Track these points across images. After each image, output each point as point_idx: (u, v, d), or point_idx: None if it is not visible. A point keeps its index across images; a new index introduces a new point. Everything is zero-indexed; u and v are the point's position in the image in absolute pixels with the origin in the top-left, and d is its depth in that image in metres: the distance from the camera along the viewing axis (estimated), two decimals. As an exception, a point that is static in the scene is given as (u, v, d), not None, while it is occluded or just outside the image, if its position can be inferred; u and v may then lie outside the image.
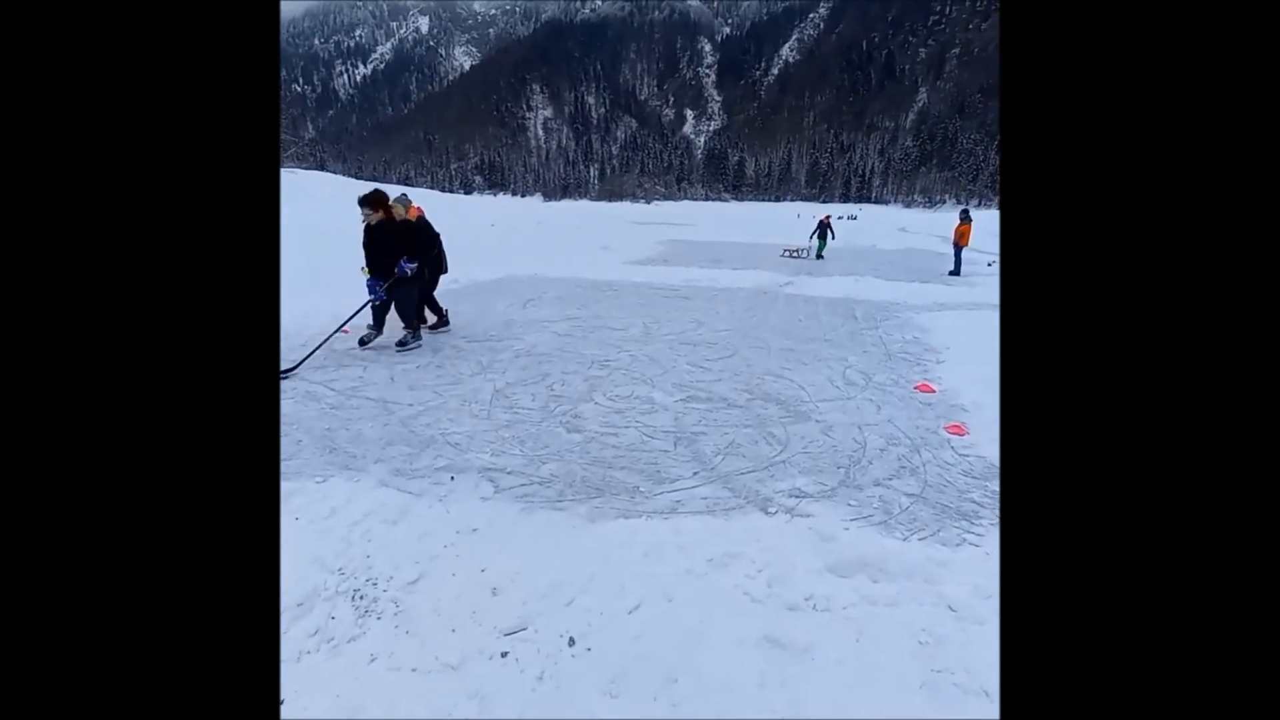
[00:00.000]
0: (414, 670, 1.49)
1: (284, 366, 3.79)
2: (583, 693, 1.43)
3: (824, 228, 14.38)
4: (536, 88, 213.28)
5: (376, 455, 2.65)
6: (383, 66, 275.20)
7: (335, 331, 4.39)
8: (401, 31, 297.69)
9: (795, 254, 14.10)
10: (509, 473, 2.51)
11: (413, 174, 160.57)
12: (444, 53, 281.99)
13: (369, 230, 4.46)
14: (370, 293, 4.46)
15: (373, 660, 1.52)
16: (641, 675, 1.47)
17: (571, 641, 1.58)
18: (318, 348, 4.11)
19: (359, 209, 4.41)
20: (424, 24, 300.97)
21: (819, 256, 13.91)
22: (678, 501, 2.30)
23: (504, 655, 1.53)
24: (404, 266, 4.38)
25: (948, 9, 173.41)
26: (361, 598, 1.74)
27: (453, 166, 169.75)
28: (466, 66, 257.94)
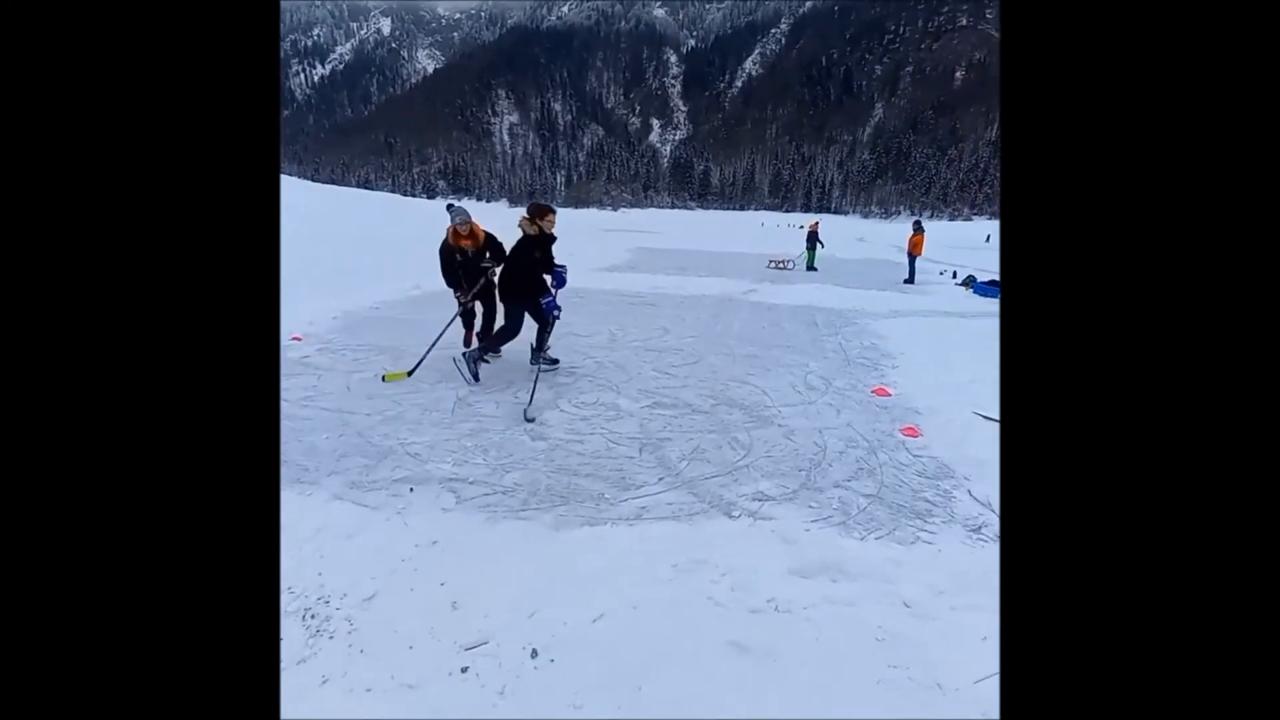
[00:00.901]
0: (369, 690, 1.44)
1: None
2: (546, 706, 1.41)
3: (814, 237, 13.35)
4: (502, 93, 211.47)
5: (330, 468, 2.55)
6: (341, 67, 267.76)
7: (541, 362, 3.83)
8: (362, 32, 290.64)
9: (782, 265, 13.05)
10: (471, 483, 2.46)
11: (373, 177, 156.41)
12: (406, 55, 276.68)
13: (532, 243, 3.85)
14: (550, 310, 3.89)
15: (324, 682, 1.46)
16: (606, 686, 1.46)
17: (534, 654, 1.55)
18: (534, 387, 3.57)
19: (542, 217, 3.86)
20: (385, 25, 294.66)
21: (811, 268, 12.82)
22: (643, 508, 2.30)
23: (464, 671, 1.49)
24: (561, 275, 3.92)
25: (901, 29, 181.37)
26: (313, 617, 1.67)
27: (415, 170, 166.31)
28: (430, 70, 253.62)
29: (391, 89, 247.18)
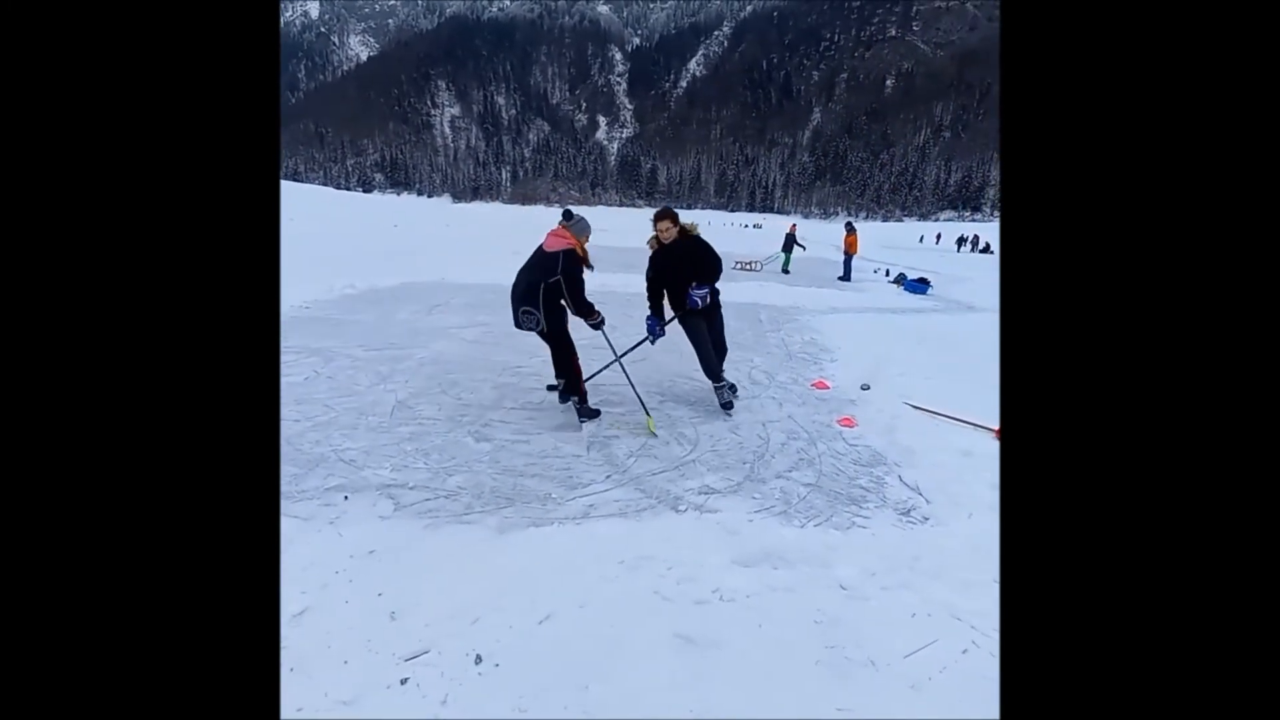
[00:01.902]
0: (299, 710, 1.36)
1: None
2: (490, 712, 1.38)
3: (792, 240, 12.83)
4: (442, 84, 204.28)
5: (255, 478, 2.39)
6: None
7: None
8: (287, 14, 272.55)
9: (749, 266, 12.46)
10: (411, 488, 2.37)
11: (303, 168, 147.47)
12: (338, 41, 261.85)
13: (665, 251, 3.39)
14: (649, 333, 3.48)
15: (249, 707, 1.37)
16: (553, 687, 1.45)
17: (478, 660, 1.51)
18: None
19: (656, 225, 3.40)
20: (314, 8, 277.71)
21: (785, 270, 12.32)
22: (590, 506, 2.30)
23: (403, 682, 1.44)
24: (694, 296, 3.32)
25: (836, 37, 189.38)
26: (235, 638, 1.56)
27: (349, 162, 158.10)
28: (363, 57, 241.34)
29: (321, 76, 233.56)
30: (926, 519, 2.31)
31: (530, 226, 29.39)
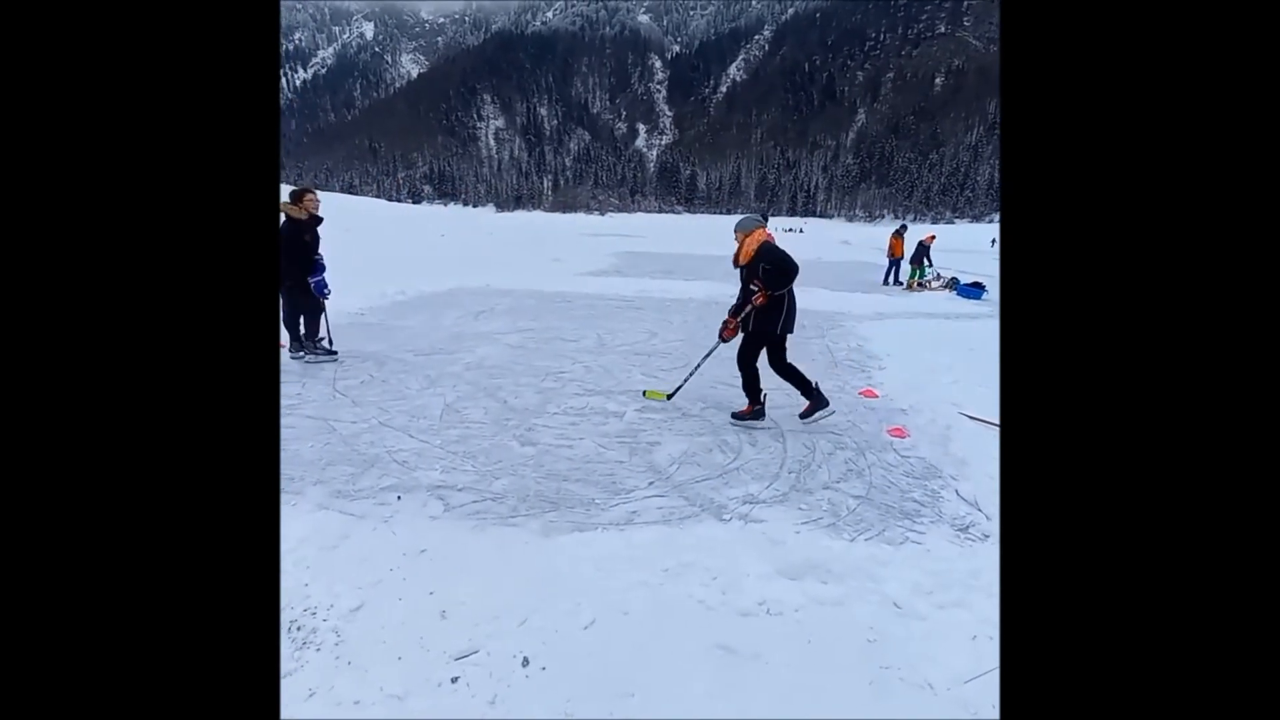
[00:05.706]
0: (356, 703, 1.41)
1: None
2: (537, 714, 1.39)
3: (924, 253, 10.91)
4: (487, 97, 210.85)
5: (315, 477, 2.51)
6: (324, 71, 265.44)
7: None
8: (344, 36, 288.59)
9: (926, 284, 10.53)
10: (459, 490, 2.43)
11: (357, 182, 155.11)
12: (390, 59, 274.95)
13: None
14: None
15: (311, 695, 1.43)
16: (596, 692, 1.45)
17: (525, 662, 1.53)
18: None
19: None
20: (369, 30, 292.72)
21: (907, 283, 10.87)
22: (633, 512, 2.29)
23: (454, 681, 1.47)
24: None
25: (882, 36, 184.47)
26: (298, 629, 1.63)
27: (400, 175, 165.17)
28: (414, 74, 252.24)
29: (375, 93, 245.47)
30: (987, 536, 2.20)
31: (567, 233, 29.82)
